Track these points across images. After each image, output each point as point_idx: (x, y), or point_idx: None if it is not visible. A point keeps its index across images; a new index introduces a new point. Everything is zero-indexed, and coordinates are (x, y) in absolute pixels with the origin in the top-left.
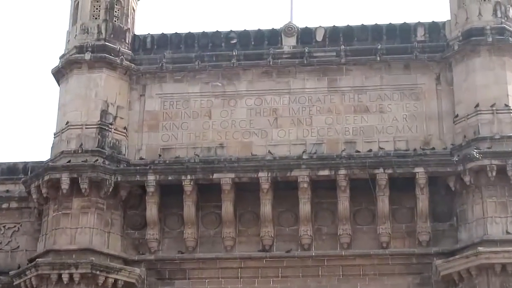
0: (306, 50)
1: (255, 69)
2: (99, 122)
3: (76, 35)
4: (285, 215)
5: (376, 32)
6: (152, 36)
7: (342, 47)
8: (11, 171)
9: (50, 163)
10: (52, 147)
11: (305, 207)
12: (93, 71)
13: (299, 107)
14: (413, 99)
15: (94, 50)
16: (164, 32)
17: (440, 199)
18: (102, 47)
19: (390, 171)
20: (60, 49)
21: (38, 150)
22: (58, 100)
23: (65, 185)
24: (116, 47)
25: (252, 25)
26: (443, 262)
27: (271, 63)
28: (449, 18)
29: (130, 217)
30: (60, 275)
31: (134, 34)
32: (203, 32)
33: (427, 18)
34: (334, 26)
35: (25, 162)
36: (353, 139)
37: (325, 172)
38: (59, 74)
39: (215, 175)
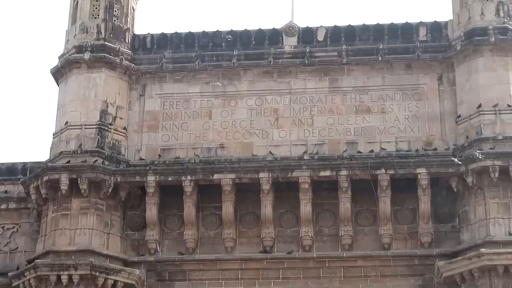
0: (307, 50)
1: (256, 69)
2: (99, 122)
3: (75, 34)
4: (286, 216)
5: (378, 31)
6: (152, 35)
7: (344, 47)
8: (10, 171)
9: (49, 164)
10: (51, 148)
11: (306, 208)
12: (93, 71)
13: (300, 107)
14: (415, 99)
15: (94, 50)
16: (164, 32)
17: (442, 200)
18: (102, 46)
19: (392, 172)
20: (59, 49)
21: (37, 151)
22: (57, 100)
23: (64, 185)
24: (115, 46)
25: (253, 25)
26: (445, 263)
27: (272, 63)
28: (452, 18)
29: (130, 218)
30: (59, 276)
31: (134, 34)
32: (204, 31)
33: (429, 18)
34: (335, 25)
35: (24, 162)
36: (354, 140)
37: (327, 173)
38: (58, 74)
39: (216, 176)
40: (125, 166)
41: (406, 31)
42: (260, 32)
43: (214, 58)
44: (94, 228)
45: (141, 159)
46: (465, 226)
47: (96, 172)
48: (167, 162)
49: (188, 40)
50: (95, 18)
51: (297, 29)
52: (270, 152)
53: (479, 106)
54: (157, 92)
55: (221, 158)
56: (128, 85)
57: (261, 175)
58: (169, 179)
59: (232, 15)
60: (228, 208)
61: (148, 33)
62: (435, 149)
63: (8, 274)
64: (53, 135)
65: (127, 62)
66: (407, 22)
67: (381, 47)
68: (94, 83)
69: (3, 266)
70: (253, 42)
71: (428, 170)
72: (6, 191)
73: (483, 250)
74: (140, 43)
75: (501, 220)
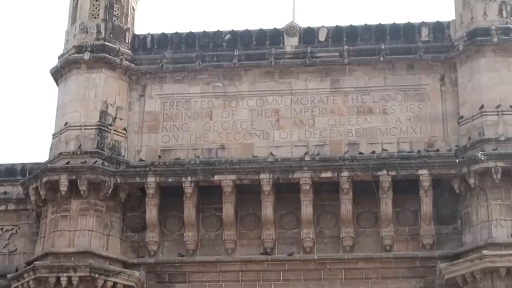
0: (309, 50)
1: (256, 70)
2: (98, 123)
3: (75, 34)
4: (287, 217)
5: (379, 32)
6: (152, 35)
7: (345, 47)
8: (9, 172)
9: (49, 165)
10: (50, 148)
11: (307, 210)
12: (92, 71)
13: (301, 108)
14: (417, 100)
15: (93, 50)
16: (165, 32)
17: (444, 202)
18: (102, 47)
19: (393, 173)
20: (59, 49)
21: (37, 151)
22: (57, 101)
23: (63, 187)
24: (115, 47)
25: (254, 25)
26: (447, 265)
27: (273, 63)
28: (454, 18)
29: (130, 219)
30: (58, 278)
31: (134, 34)
32: (204, 31)
33: (431, 18)
34: (337, 26)
35: (23, 163)
36: (356, 141)
37: (328, 174)
38: (58, 74)
39: (216, 177)
40: (125, 167)
41: (408, 31)
42: (261, 32)
43: (215, 58)
44: (94, 229)
45: (141, 160)
46: (467, 227)
47: (95, 173)
48: (167, 163)
49: (188, 40)
50: (95, 18)
51: (298, 29)
52: (271, 153)
53: (482, 107)
54: (157, 92)
55: (221, 159)
56: (128, 86)
57: (262, 176)
58: (169, 180)
59: (233, 15)
60: (228, 210)
61: (148, 33)
62: (437, 150)
63: (7, 276)
64: (53, 135)
65: (127, 62)
66: (409, 22)
67: (383, 47)
68: (94, 84)
69: (2, 268)
70: (254, 42)
71: (430, 172)
72: (5, 192)
73: (485, 252)
74: (140, 43)
75: (504, 222)
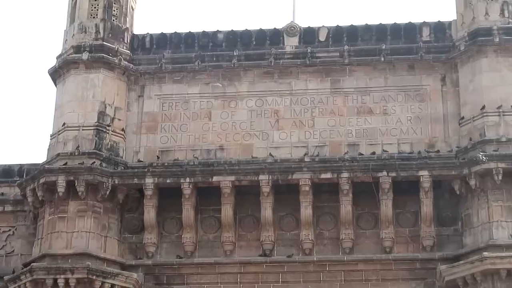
0: (309, 50)
1: (256, 70)
2: (97, 123)
3: (73, 34)
4: (286, 219)
5: (380, 32)
6: (151, 35)
7: (346, 47)
8: (6, 173)
9: (46, 166)
10: (48, 149)
11: (306, 211)
12: (91, 71)
13: (301, 109)
14: (417, 101)
15: (92, 50)
16: (164, 32)
17: (444, 203)
18: (100, 47)
19: (393, 174)
20: (57, 49)
21: (34, 152)
22: (55, 101)
23: (61, 188)
24: (114, 47)
25: (253, 25)
26: (447, 267)
27: (272, 64)
28: (455, 18)
29: (128, 221)
30: (55, 280)
31: (133, 34)
32: (204, 31)
33: (432, 18)
34: (337, 25)
35: (20, 164)
36: (356, 142)
37: (327, 175)
38: (56, 74)
39: (215, 178)
40: (123, 168)
41: (409, 31)
42: (260, 32)
43: (214, 59)
44: (91, 231)
45: (139, 161)
46: (467, 229)
47: (93, 174)
48: (166, 164)
49: (187, 40)
50: (94, 17)
51: (298, 29)
52: (270, 154)
53: (483, 107)
54: (156, 93)
55: (220, 160)
56: (127, 86)
57: (261, 177)
58: (168, 181)
59: (233, 15)
60: (227, 211)
61: (147, 33)
62: (438, 151)
63: (4, 277)
64: (50, 136)
65: (126, 63)
66: (410, 22)
67: (383, 47)
68: (92, 84)
69: None
70: (254, 42)
71: (430, 173)
72: (2, 194)
73: (485, 253)
74: (139, 43)
75: (505, 223)
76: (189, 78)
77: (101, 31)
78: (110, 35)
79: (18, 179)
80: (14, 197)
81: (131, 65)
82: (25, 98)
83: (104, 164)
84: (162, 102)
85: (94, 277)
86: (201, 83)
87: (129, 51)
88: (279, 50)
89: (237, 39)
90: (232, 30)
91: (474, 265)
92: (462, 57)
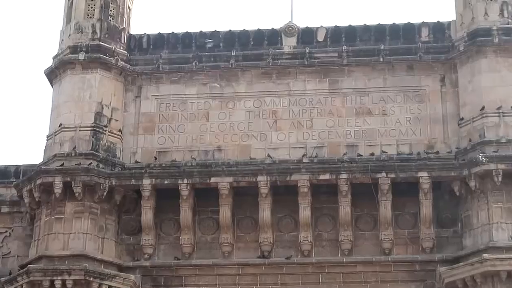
0: (307, 51)
1: (254, 70)
2: (93, 124)
3: (70, 34)
4: (285, 220)
5: (379, 32)
6: (148, 35)
7: (344, 47)
8: (3, 174)
9: (43, 166)
10: (44, 150)
11: (305, 212)
12: (87, 71)
13: (300, 109)
14: (417, 101)
15: (89, 50)
16: (161, 32)
17: (444, 205)
18: (97, 47)
19: (392, 175)
20: (53, 49)
21: (31, 153)
22: (51, 102)
23: (58, 189)
24: (111, 47)
25: (251, 25)
26: (447, 269)
27: (270, 64)
28: (455, 18)
29: (125, 222)
30: (52, 282)
31: (130, 34)
32: (201, 31)
33: (431, 18)
34: (335, 26)
35: (16, 165)
36: (355, 143)
37: (326, 176)
38: (52, 74)
39: (213, 179)
40: (120, 169)
41: (408, 31)
42: (258, 32)
43: (212, 59)
44: (88, 232)
45: (136, 162)
46: (467, 231)
47: (90, 175)
48: (163, 165)
49: (185, 40)
50: (90, 17)
51: (296, 29)
52: (269, 155)
53: (482, 108)
54: (153, 93)
55: (218, 161)
56: (124, 86)
57: (259, 178)
58: (165, 182)
59: (231, 15)
60: (225, 212)
61: (145, 33)
62: (437, 152)
63: (1, 279)
64: (47, 137)
65: (123, 63)
66: (409, 23)
67: (382, 48)
68: (88, 84)
69: None
70: (252, 43)
71: (430, 174)
72: None
73: (485, 255)
74: (136, 43)
75: (504, 225)
76: (186, 78)
77: (98, 31)
78: (106, 35)
79: (14, 180)
80: (11, 198)
81: (128, 66)
82: (21, 98)
83: (101, 165)
84: (160, 102)
85: (91, 278)
86: (199, 84)
87: (126, 52)
88: (277, 51)
89: (235, 39)
90: (230, 30)
91: (474, 267)
92: (461, 57)
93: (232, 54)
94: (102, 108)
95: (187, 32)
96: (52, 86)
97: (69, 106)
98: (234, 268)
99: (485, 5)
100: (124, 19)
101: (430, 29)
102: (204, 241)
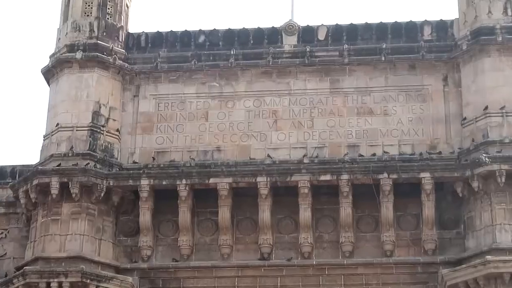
0: (308, 50)
1: (254, 69)
2: (91, 124)
3: (67, 33)
4: (285, 221)
5: (380, 30)
6: (146, 34)
7: (345, 46)
8: None
9: (39, 167)
10: (41, 150)
11: (305, 214)
12: (85, 70)
13: (300, 109)
14: (419, 101)
15: (86, 48)
16: (159, 30)
17: (446, 206)
18: (94, 45)
19: (394, 176)
20: (50, 48)
21: (27, 153)
22: (48, 101)
23: (54, 189)
24: (108, 45)
25: (251, 23)
26: (449, 271)
27: (270, 63)
28: (457, 17)
29: (123, 223)
30: (49, 284)
31: (128, 32)
32: (200, 30)
33: (434, 17)
34: (337, 24)
35: (13, 165)
36: (356, 143)
37: (327, 177)
38: (49, 73)
39: (212, 180)
40: (118, 169)
41: (410, 30)
42: (258, 31)
43: (211, 58)
44: (86, 233)
45: (134, 162)
46: (470, 232)
47: (87, 175)
48: (162, 165)
49: (184, 39)
50: (88, 16)
51: (297, 27)
52: (269, 156)
53: (486, 108)
54: (152, 92)
55: (217, 162)
56: (122, 86)
57: (259, 179)
58: (164, 183)
59: (230, 13)
60: (224, 213)
61: (143, 31)
62: (440, 152)
63: None
64: (44, 137)
65: (121, 62)
66: (411, 21)
67: (384, 46)
68: (86, 84)
69: None
70: (252, 41)
71: (432, 175)
72: None
73: (488, 257)
74: (134, 42)
75: (508, 227)
76: (185, 77)
77: (95, 29)
78: (104, 34)
79: (10, 180)
80: (7, 199)
81: (126, 64)
82: (17, 98)
83: (98, 166)
84: (158, 102)
85: (88, 280)
86: (198, 83)
87: (124, 50)
88: (277, 49)
89: (235, 38)
90: (229, 29)
91: (477, 269)
92: (464, 56)
93: (232, 53)
94: (100, 107)
95: (186, 30)
96: (49, 85)
97: (66, 105)
98: (234, 270)
99: (488, 3)
100: (122, 17)
101: (432, 27)
102: (203, 243)
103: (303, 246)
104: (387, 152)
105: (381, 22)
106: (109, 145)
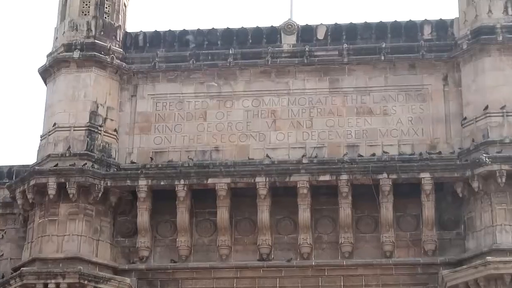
0: (307, 49)
1: (252, 69)
2: (88, 124)
3: (64, 32)
4: (284, 222)
5: (380, 30)
6: (144, 33)
7: (345, 45)
8: None
9: (36, 167)
10: (38, 150)
11: (304, 214)
12: (82, 70)
13: (299, 109)
14: (419, 101)
15: (83, 48)
16: (157, 29)
17: (446, 206)
18: (92, 45)
19: (394, 176)
20: (47, 47)
21: (24, 153)
22: (45, 101)
23: (51, 190)
24: (106, 45)
25: (250, 22)
26: (449, 272)
27: (269, 63)
28: (458, 16)
29: (120, 224)
30: (46, 285)
31: (126, 31)
32: (198, 29)
33: (434, 16)
34: (336, 23)
35: (10, 165)
36: (355, 143)
37: (326, 177)
38: (46, 73)
39: (210, 180)
40: (115, 169)
41: (410, 29)
42: (257, 30)
43: (209, 57)
44: (83, 234)
45: (132, 162)
46: (470, 233)
47: (85, 176)
48: (160, 165)
49: (182, 38)
50: (85, 15)
51: (296, 27)
52: (267, 156)
53: (486, 107)
54: (150, 92)
55: (216, 162)
56: (119, 85)
57: (258, 179)
58: (162, 183)
59: (229, 12)
60: (223, 214)
61: (141, 30)
62: (440, 152)
63: None
64: (41, 137)
65: (118, 61)
66: (411, 20)
67: (383, 46)
68: (83, 83)
69: None
70: (250, 41)
71: (432, 175)
72: None
73: (489, 258)
74: (132, 41)
75: (508, 227)
76: (183, 77)
77: (93, 28)
78: (102, 33)
79: (7, 181)
80: (4, 199)
81: (124, 64)
82: (14, 97)
83: (96, 166)
84: (156, 102)
85: (85, 282)
86: (196, 83)
87: (121, 50)
88: (276, 49)
89: (233, 37)
90: (228, 28)
91: (477, 270)
92: (464, 56)
93: (230, 52)
94: (97, 107)
95: (184, 29)
96: (46, 85)
97: (63, 105)
98: (232, 271)
99: (489, 2)
100: (120, 16)
101: (432, 27)
102: (201, 244)
103: (302, 247)
104: (386, 152)
105: (380, 21)
106: (107, 145)
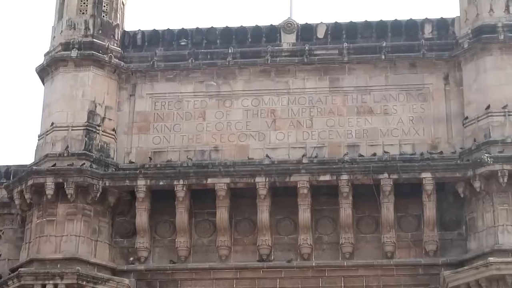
0: (307, 48)
1: (252, 68)
2: (86, 123)
3: (62, 31)
4: (284, 222)
5: (380, 29)
6: (143, 32)
7: (345, 44)
8: None
9: (34, 167)
10: (36, 150)
11: (304, 215)
12: (80, 69)
13: (299, 108)
14: (420, 100)
15: (81, 47)
16: (156, 28)
17: (448, 206)
18: (90, 44)
19: (395, 176)
20: (45, 46)
21: (22, 153)
22: (43, 100)
23: (49, 190)
24: (104, 44)
25: (249, 21)
26: (451, 273)
27: (269, 62)
28: (459, 14)
29: (119, 224)
30: (44, 286)
31: (124, 30)
32: (197, 28)
33: (435, 15)
34: (336, 22)
35: (7, 165)
36: (356, 143)
37: (326, 177)
38: (44, 72)
39: (209, 180)
40: (114, 169)
41: (410, 28)
42: (256, 28)
43: (208, 56)
44: (81, 235)
45: (131, 162)
46: (472, 233)
47: (83, 176)
48: (158, 165)
49: (181, 37)
50: (83, 13)
51: (295, 25)
52: (267, 156)
53: (488, 107)
54: (148, 91)
55: (215, 162)
56: (118, 85)
57: (258, 179)
58: (161, 183)
59: (228, 11)
60: (222, 214)
61: (139, 29)
62: (441, 152)
63: None
64: (38, 136)
65: (117, 60)
66: (411, 19)
67: (384, 45)
68: (81, 82)
69: None
70: (250, 39)
71: (433, 175)
72: None
73: (491, 259)
74: (130, 40)
75: (510, 228)
76: (182, 76)
77: (91, 27)
78: (100, 32)
79: (5, 181)
80: (1, 199)
81: (122, 63)
82: (12, 97)
83: (94, 166)
84: (155, 101)
85: (84, 282)
86: (195, 82)
87: (120, 48)
88: (276, 48)
89: (232, 36)
90: (227, 27)
91: (479, 271)
92: (465, 55)
93: (229, 51)
94: (95, 106)
95: (182, 28)
96: (43, 84)
97: (61, 104)
98: (232, 272)
99: (490, 1)
100: (118, 15)
101: (433, 25)
102: (201, 244)
103: (302, 248)
104: (387, 152)
105: (381, 20)
106: (105, 145)
